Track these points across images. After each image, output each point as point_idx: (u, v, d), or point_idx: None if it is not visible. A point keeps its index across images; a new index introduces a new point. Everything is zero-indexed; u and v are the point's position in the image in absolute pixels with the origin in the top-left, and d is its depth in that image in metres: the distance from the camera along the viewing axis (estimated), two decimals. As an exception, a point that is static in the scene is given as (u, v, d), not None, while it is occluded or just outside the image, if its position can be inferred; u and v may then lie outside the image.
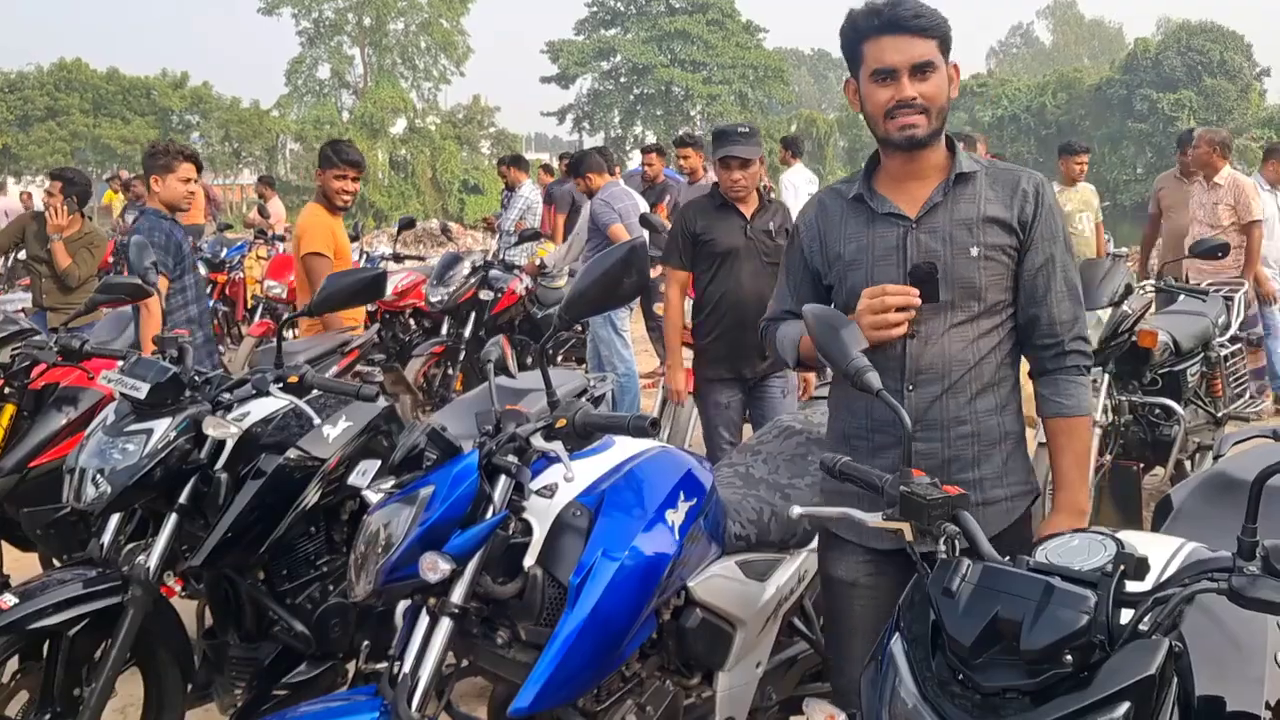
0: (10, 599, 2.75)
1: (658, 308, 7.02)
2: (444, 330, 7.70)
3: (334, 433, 3.14)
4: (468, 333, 7.59)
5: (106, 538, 3.02)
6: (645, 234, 2.30)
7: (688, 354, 4.92)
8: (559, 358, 8.12)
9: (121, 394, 2.95)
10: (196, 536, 3.03)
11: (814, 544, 2.81)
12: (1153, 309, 5.71)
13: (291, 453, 3.06)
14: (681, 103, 53.38)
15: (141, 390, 2.88)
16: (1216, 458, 3.07)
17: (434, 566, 2.10)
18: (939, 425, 2.28)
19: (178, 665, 3.06)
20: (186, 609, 3.28)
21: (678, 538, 2.41)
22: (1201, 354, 5.72)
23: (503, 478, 2.25)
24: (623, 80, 53.56)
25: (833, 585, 2.45)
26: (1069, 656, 1.40)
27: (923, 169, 2.31)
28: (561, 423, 2.22)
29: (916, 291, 2.18)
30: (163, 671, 3.03)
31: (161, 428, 2.89)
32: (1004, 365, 2.31)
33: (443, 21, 48.79)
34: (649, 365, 8.04)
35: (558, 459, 2.30)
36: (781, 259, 2.62)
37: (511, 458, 2.26)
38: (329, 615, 3.19)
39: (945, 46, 2.25)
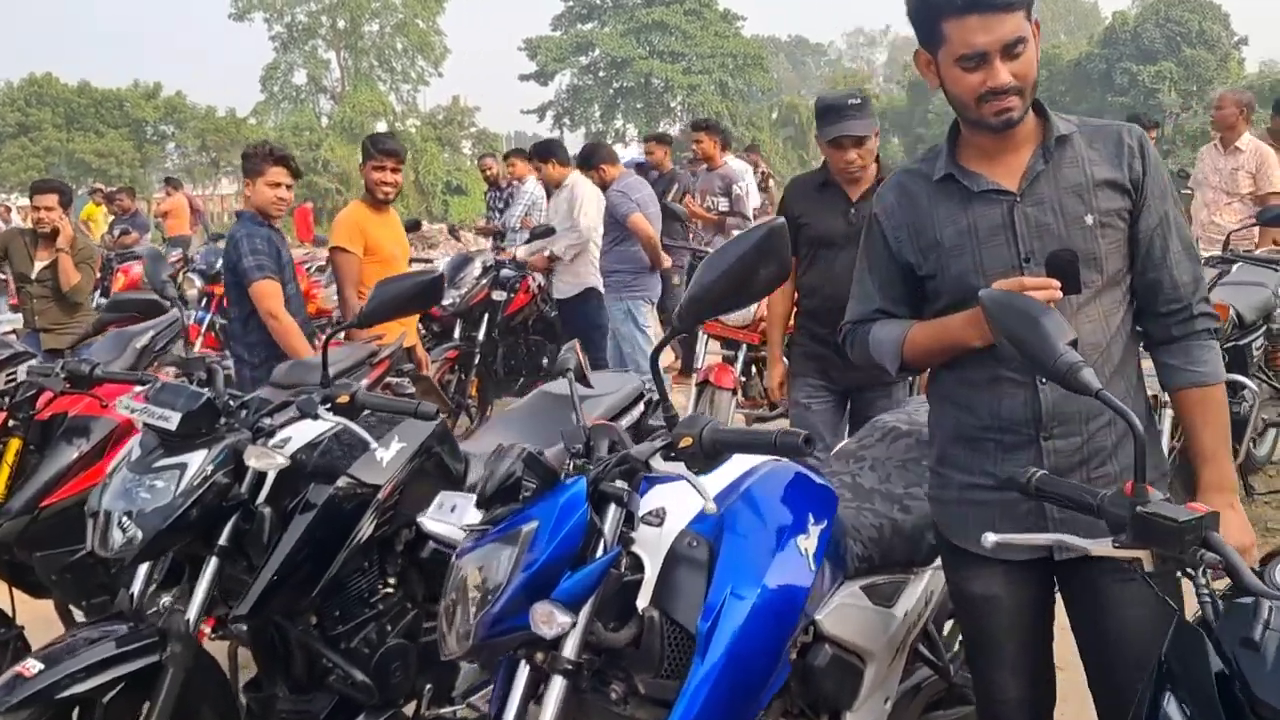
0: (35, 665, 2.41)
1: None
2: (456, 334, 7.36)
3: (387, 456, 2.81)
4: (481, 335, 7.27)
5: (136, 587, 2.69)
6: (781, 217, 1.98)
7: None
8: (522, 375, 7.74)
9: (147, 425, 2.62)
10: (239, 580, 2.71)
11: (939, 561, 2.52)
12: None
13: (342, 481, 2.73)
14: (662, 94, 53.04)
15: (172, 420, 2.54)
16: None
17: (550, 619, 1.78)
18: (1078, 419, 2.04)
19: (226, 724, 2.74)
20: (218, 650, 2.97)
21: (812, 567, 2.09)
22: (1264, 326, 5.45)
23: (612, 507, 1.93)
24: (602, 74, 53.17)
25: (969, 603, 2.22)
26: None
27: (1015, 139, 2.07)
28: (686, 441, 1.88)
29: (1057, 284, 1.91)
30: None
31: (197, 461, 2.55)
32: (1130, 341, 2.13)
33: (418, 22, 48.39)
34: (665, 360, 7.73)
35: (668, 479, 1.99)
36: (859, 254, 2.31)
37: (621, 483, 1.94)
38: (389, 659, 2.87)
39: (1030, 11, 1.99)
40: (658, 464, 1.90)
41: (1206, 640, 1.26)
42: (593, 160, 6.82)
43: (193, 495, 2.53)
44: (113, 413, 3.39)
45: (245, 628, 2.82)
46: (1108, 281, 2.05)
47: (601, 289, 6.98)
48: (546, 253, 7.28)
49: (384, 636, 2.90)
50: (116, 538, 2.52)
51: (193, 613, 2.56)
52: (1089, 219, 2.03)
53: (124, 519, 2.53)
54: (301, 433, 2.74)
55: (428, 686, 2.99)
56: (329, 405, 2.65)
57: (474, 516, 1.92)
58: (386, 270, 5.15)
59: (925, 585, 2.52)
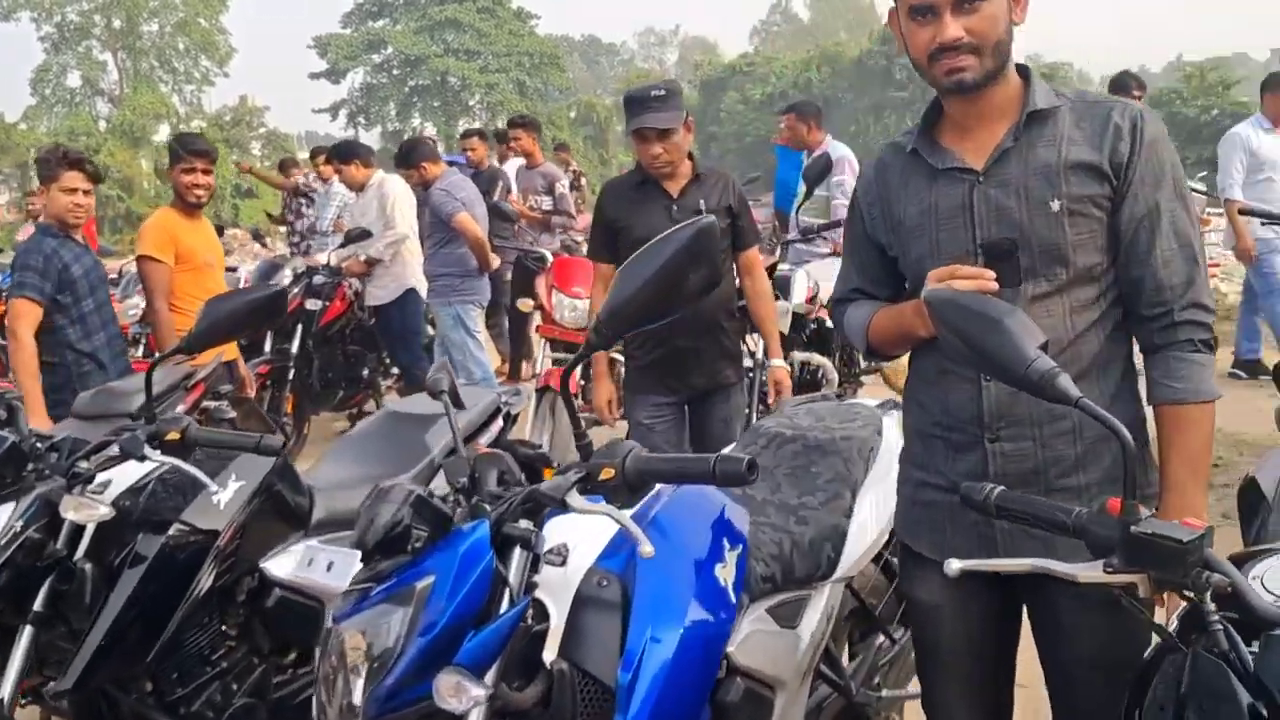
0: None
1: (521, 303, 6.45)
2: (267, 348, 6.88)
3: (225, 497, 2.49)
4: (295, 348, 6.82)
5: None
6: (710, 215, 1.80)
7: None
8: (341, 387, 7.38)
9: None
10: (57, 647, 2.35)
11: (838, 574, 2.40)
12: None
13: (175, 529, 2.40)
14: (459, 92, 52.35)
15: (-31, 470, 2.17)
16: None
17: (458, 692, 1.53)
18: (1028, 422, 1.87)
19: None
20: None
21: (734, 600, 1.92)
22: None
23: (517, 551, 1.70)
24: (396, 72, 52.09)
25: (915, 609, 2.11)
26: None
27: (989, 110, 1.89)
28: (608, 473, 1.66)
29: (992, 274, 1.78)
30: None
31: (3, 517, 2.19)
32: (1111, 343, 1.90)
33: (200, 21, 46.10)
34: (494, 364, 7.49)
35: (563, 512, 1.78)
36: (844, 230, 2.15)
37: (525, 522, 1.71)
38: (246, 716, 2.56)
39: None
40: (579, 503, 1.67)
41: (1231, 674, 1.15)
42: (412, 158, 6.47)
43: (2, 556, 2.16)
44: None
45: (65, 702, 2.46)
46: (1076, 276, 1.85)
47: (422, 291, 6.69)
48: (363, 256, 6.92)
49: (230, 697, 2.59)
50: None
51: (6, 691, 2.20)
52: (1055, 204, 1.84)
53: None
54: (124, 476, 2.40)
55: (283, 748, 2.69)
56: (156, 443, 2.31)
57: (347, 573, 1.65)
58: (200, 279, 4.78)
59: (826, 601, 2.38)
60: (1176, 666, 1.28)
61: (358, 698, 1.63)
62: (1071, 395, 1.39)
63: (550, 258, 6.31)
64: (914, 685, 2.51)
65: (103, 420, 2.83)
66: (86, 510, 2.22)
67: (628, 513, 1.71)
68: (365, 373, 7.47)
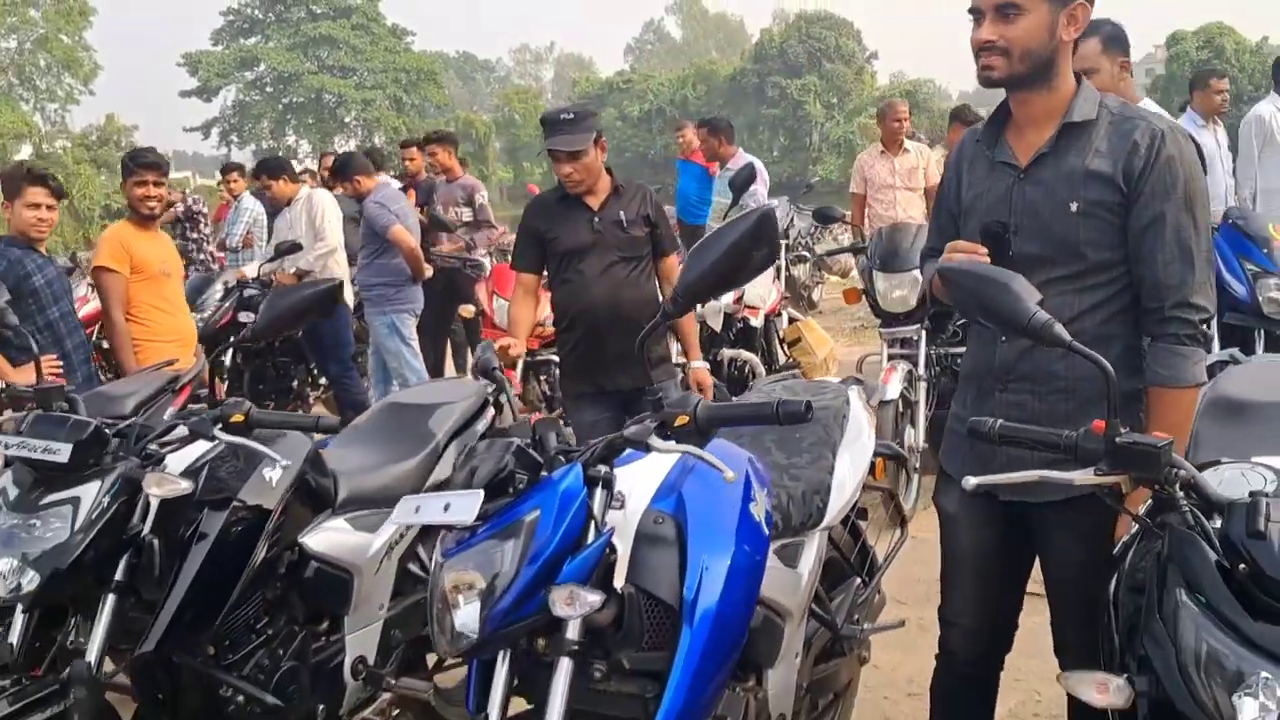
0: (-71, 729, 2.21)
1: (463, 309, 6.69)
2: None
3: (275, 476, 2.74)
4: (228, 361, 6.97)
5: (15, 637, 2.47)
6: (775, 202, 2.14)
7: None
8: (271, 399, 7.53)
9: (25, 461, 2.44)
10: (127, 617, 2.57)
11: (825, 522, 2.76)
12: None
13: (234, 506, 2.64)
14: (335, 109, 51.86)
15: (62, 453, 2.38)
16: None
17: (573, 600, 1.85)
18: (1030, 378, 2.25)
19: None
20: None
21: (766, 531, 2.27)
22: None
23: (599, 491, 2.02)
24: (269, 90, 51.35)
25: (943, 518, 2.53)
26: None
27: (1037, 114, 2.24)
28: (682, 420, 2.00)
29: (985, 251, 2.16)
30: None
31: (91, 494, 2.41)
32: (1112, 323, 2.20)
33: (62, 37, 44.64)
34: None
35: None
36: (936, 195, 2.57)
37: (603, 467, 2.04)
38: (286, 682, 2.80)
39: None
40: (662, 444, 2.00)
41: (1202, 541, 1.54)
42: (347, 171, 6.70)
43: (91, 530, 2.39)
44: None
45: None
46: (1090, 268, 2.16)
47: (350, 301, 6.89)
48: (293, 269, 7.08)
49: (276, 661, 2.82)
50: (9, 582, 2.34)
51: (93, 655, 2.41)
52: (1074, 206, 2.15)
53: (11, 563, 2.35)
54: (187, 456, 2.63)
55: (320, 707, 2.94)
56: (221, 425, 2.56)
57: (471, 508, 1.93)
58: (156, 288, 4.94)
59: (816, 546, 2.74)
60: (1153, 543, 1.67)
61: (470, 623, 1.92)
62: (1064, 339, 1.76)
63: (489, 266, 6.59)
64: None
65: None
66: (169, 486, 2.44)
67: (650, 462, 2.06)
68: (294, 384, 7.62)
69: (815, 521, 2.73)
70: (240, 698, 2.73)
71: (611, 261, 4.02)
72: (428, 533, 3.25)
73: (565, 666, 1.94)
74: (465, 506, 1.91)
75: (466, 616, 1.93)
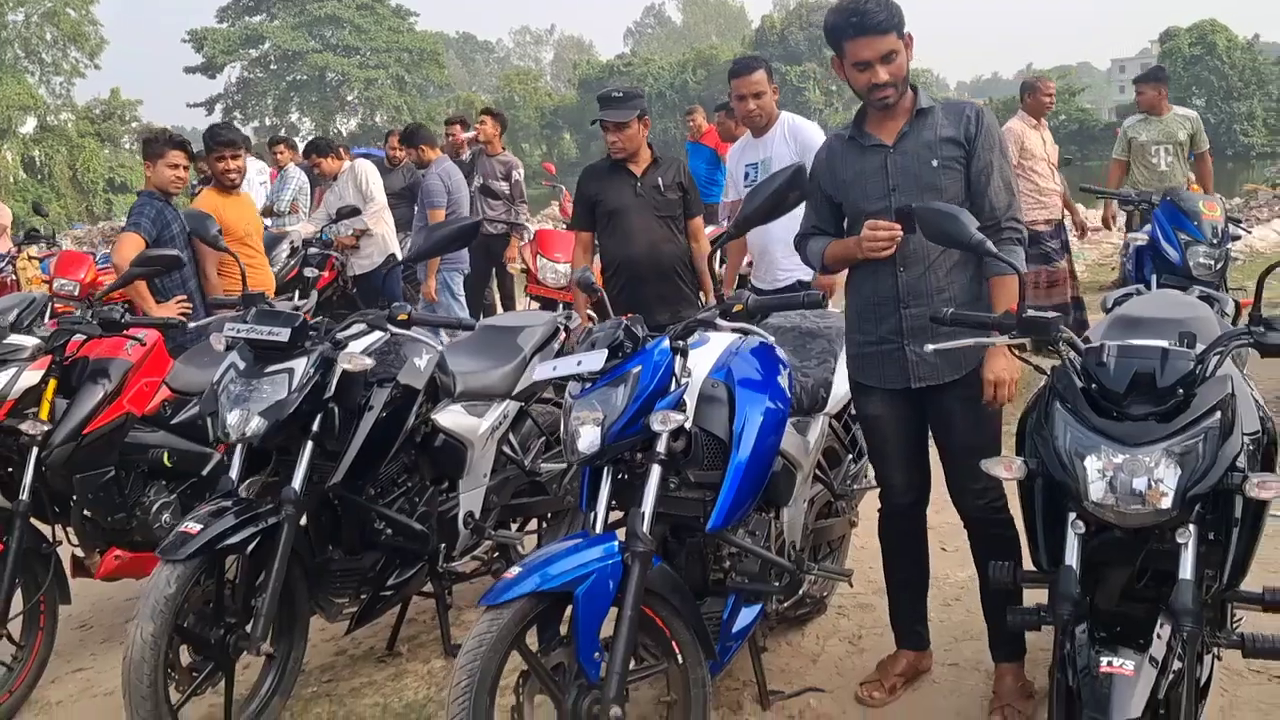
0: (195, 525, 3.11)
1: (510, 266, 7.62)
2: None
3: (421, 364, 3.66)
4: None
5: (235, 472, 3.37)
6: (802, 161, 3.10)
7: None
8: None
9: (251, 341, 3.35)
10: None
11: (828, 409, 3.68)
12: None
13: (395, 385, 3.56)
14: (337, 88, 52.50)
15: (284, 335, 3.30)
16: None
17: (666, 419, 2.78)
18: (925, 295, 3.14)
19: (305, 580, 3.49)
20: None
21: (790, 396, 3.20)
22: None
23: (678, 358, 2.94)
24: (274, 67, 52.00)
25: (866, 421, 3.44)
26: (1180, 390, 2.32)
27: (895, 111, 3.18)
28: (739, 307, 2.95)
29: (899, 226, 3.06)
30: (295, 586, 3.44)
31: (301, 367, 3.32)
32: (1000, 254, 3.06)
33: (69, 11, 45.28)
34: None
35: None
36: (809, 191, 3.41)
37: (681, 341, 2.95)
38: (421, 522, 3.72)
39: (901, 32, 3.07)
40: (724, 323, 2.94)
41: (1072, 373, 2.45)
42: (415, 140, 7.67)
43: (303, 392, 3.30)
44: (126, 354, 4.00)
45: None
46: (947, 202, 3.00)
47: (399, 255, 7.83)
48: (350, 231, 8.01)
49: (414, 507, 3.75)
50: (241, 427, 3.25)
51: (298, 482, 3.32)
52: (934, 162, 3.09)
53: (244, 413, 3.26)
54: (360, 345, 3.53)
55: (442, 545, 3.86)
56: (392, 321, 3.48)
57: (599, 359, 2.86)
58: (241, 248, 5.78)
59: (821, 426, 3.67)
60: (1047, 382, 2.59)
61: (593, 441, 2.84)
62: (992, 250, 2.70)
63: (533, 230, 7.51)
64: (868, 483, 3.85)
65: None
66: (359, 362, 3.35)
67: (707, 349, 3.00)
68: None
69: (820, 407, 3.66)
70: (389, 530, 3.65)
71: (651, 220, 4.98)
72: (517, 422, 4.20)
73: (656, 472, 2.85)
74: (594, 359, 2.83)
75: (590, 437, 2.84)
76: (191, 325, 4.58)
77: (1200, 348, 2.42)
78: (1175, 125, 8.12)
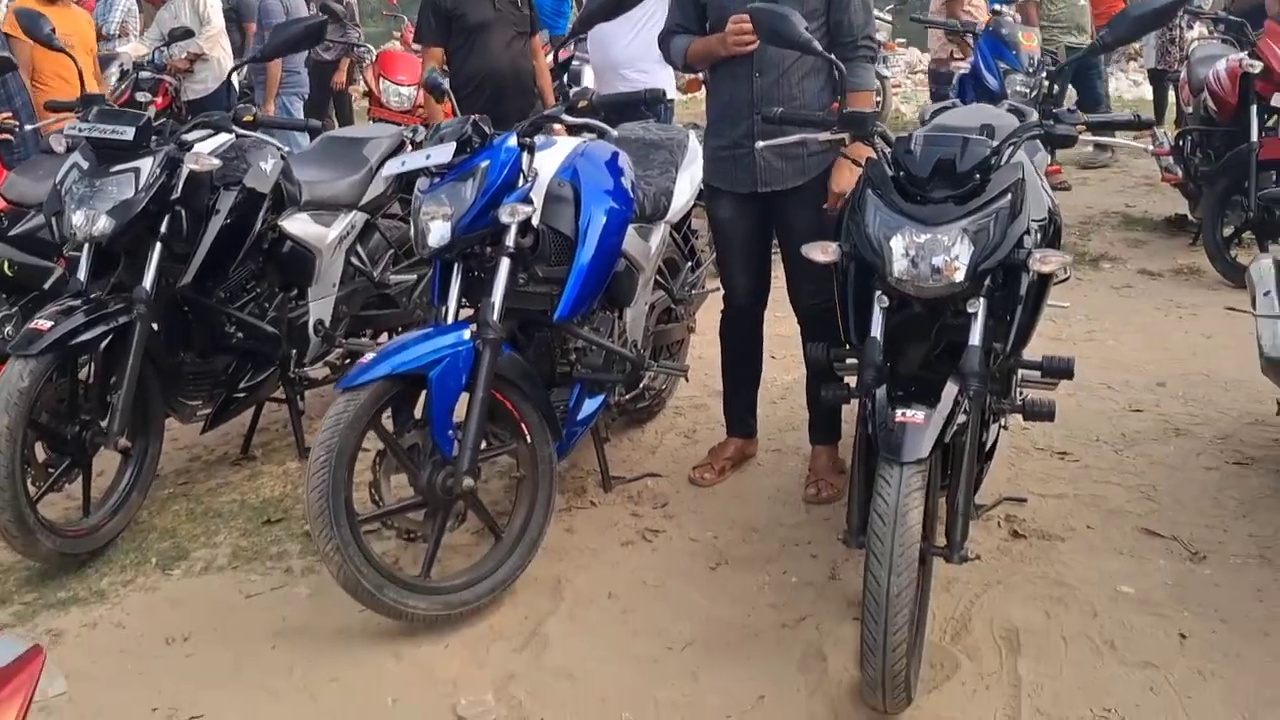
0: (45, 323, 3.13)
1: (352, 88, 7.48)
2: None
3: (268, 168, 3.68)
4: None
5: (83, 272, 3.37)
6: None
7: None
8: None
9: (94, 141, 3.32)
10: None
11: (668, 216, 3.87)
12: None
13: (240, 189, 3.58)
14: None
15: (128, 133, 3.29)
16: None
17: (514, 211, 2.92)
18: (777, 101, 3.30)
19: (159, 381, 3.56)
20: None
21: (633, 195, 3.38)
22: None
23: (525, 154, 3.06)
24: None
25: (716, 224, 3.64)
26: (977, 175, 2.58)
27: None
28: (584, 103, 3.07)
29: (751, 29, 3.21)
30: (148, 386, 3.49)
31: (147, 166, 3.31)
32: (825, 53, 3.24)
33: None
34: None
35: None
36: None
37: (528, 139, 3.07)
38: (274, 327, 3.81)
39: None
40: (571, 119, 3.07)
41: (884, 162, 2.68)
42: None
43: (150, 191, 3.31)
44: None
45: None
46: (807, 13, 3.12)
47: (236, 83, 7.61)
48: (183, 54, 7.71)
49: (264, 312, 3.82)
50: (87, 227, 3.26)
51: (148, 282, 3.35)
52: None
53: (90, 213, 3.26)
54: (207, 146, 3.53)
55: (293, 352, 3.96)
56: (237, 122, 3.49)
57: (447, 153, 2.96)
58: (59, 60, 5.53)
59: (662, 233, 3.86)
60: (862, 173, 2.82)
61: (443, 234, 2.96)
62: (818, 48, 2.89)
63: (374, 52, 7.38)
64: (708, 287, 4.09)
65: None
66: (205, 162, 3.35)
67: (553, 150, 3.14)
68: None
69: (662, 215, 3.85)
70: (240, 333, 3.72)
71: (511, 34, 5.00)
72: (365, 235, 4.28)
73: (505, 265, 3.00)
74: (442, 152, 2.93)
75: (439, 231, 2.97)
76: (28, 128, 4.45)
77: (998, 141, 2.67)
78: None
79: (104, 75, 7.53)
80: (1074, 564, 3.14)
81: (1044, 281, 2.75)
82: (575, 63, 7.31)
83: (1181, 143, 6.44)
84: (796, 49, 3.00)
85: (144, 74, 7.67)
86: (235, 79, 7.63)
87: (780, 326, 4.18)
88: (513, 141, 3.02)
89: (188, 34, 7.54)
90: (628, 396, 3.77)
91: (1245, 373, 4.11)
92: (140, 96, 7.62)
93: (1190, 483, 3.61)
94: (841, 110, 2.86)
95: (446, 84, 3.50)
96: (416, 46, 9.59)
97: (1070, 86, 7.95)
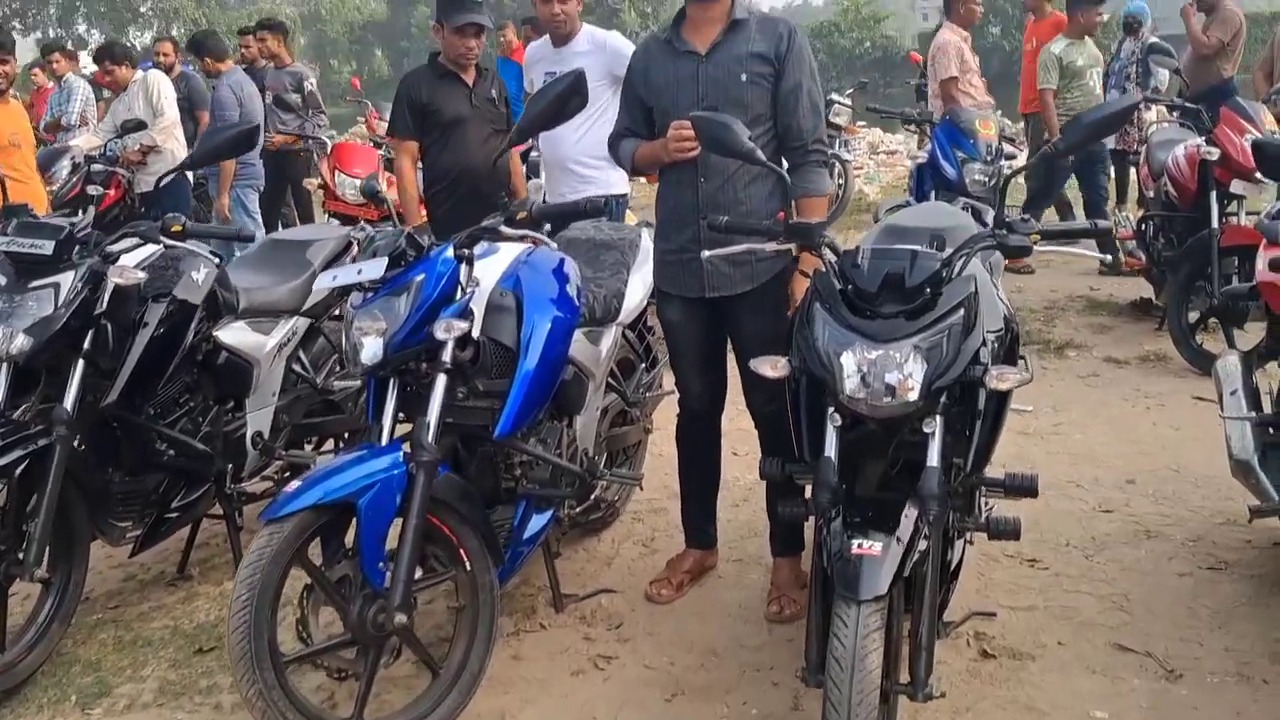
0: (-46, 449, 2.97)
1: (306, 183, 7.37)
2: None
3: (200, 278, 3.54)
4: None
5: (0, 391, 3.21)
6: (580, 68, 3.03)
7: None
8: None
9: (11, 255, 3.18)
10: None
11: (619, 319, 3.75)
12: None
13: (171, 300, 3.43)
14: (128, -2, 49.30)
15: (47, 248, 3.14)
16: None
17: (449, 327, 2.78)
18: (723, 206, 3.19)
19: (84, 503, 3.37)
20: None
21: (579, 304, 3.25)
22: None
23: (463, 266, 2.93)
24: (56, -28, 48.32)
25: (667, 326, 3.51)
26: (928, 290, 2.47)
27: (712, 17, 3.22)
28: (523, 215, 2.94)
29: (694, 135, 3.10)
30: (71, 508, 3.31)
31: (68, 281, 3.17)
32: (773, 160, 3.10)
33: None
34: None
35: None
36: (620, 92, 3.48)
37: (466, 250, 2.94)
38: (205, 443, 3.64)
39: None
40: (509, 231, 2.94)
41: (832, 275, 2.57)
42: (201, 51, 7.26)
43: (70, 308, 3.16)
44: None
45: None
46: (751, 120, 3.05)
47: (190, 175, 7.49)
48: (137, 146, 7.60)
49: (198, 427, 3.66)
50: (4, 345, 3.10)
51: (69, 402, 3.18)
52: (743, 77, 3.12)
53: (7, 331, 3.10)
54: (134, 259, 3.39)
55: (229, 466, 3.78)
56: (165, 234, 3.35)
57: (379, 267, 2.83)
58: (5, 158, 5.42)
59: (613, 335, 3.73)
60: (810, 286, 2.71)
61: (375, 351, 2.82)
62: (761, 159, 2.78)
63: (330, 144, 7.29)
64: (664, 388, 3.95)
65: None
66: (130, 275, 3.21)
67: (497, 258, 3.01)
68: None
69: (613, 317, 3.73)
70: (171, 450, 3.55)
71: (487, 132, 4.86)
72: (308, 340, 4.13)
73: (441, 381, 2.85)
74: (374, 268, 2.81)
75: (372, 347, 2.82)
76: None
77: (949, 251, 2.57)
78: (1096, 48, 8.07)
79: (52, 170, 7.41)
80: (1045, 685, 2.99)
81: (1003, 396, 2.63)
82: (535, 153, 7.25)
83: (1144, 227, 6.41)
84: (739, 158, 2.90)
85: (96, 166, 7.63)
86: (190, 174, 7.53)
87: (743, 420, 4.03)
88: (450, 253, 2.90)
89: (140, 125, 7.48)
90: (579, 509, 3.61)
91: (1214, 467, 3.99)
92: (91, 190, 7.57)
93: (1163, 589, 3.48)
94: (788, 220, 2.76)
95: (382, 193, 3.38)
96: (382, 130, 9.57)
97: (1074, 175, 7.94)
